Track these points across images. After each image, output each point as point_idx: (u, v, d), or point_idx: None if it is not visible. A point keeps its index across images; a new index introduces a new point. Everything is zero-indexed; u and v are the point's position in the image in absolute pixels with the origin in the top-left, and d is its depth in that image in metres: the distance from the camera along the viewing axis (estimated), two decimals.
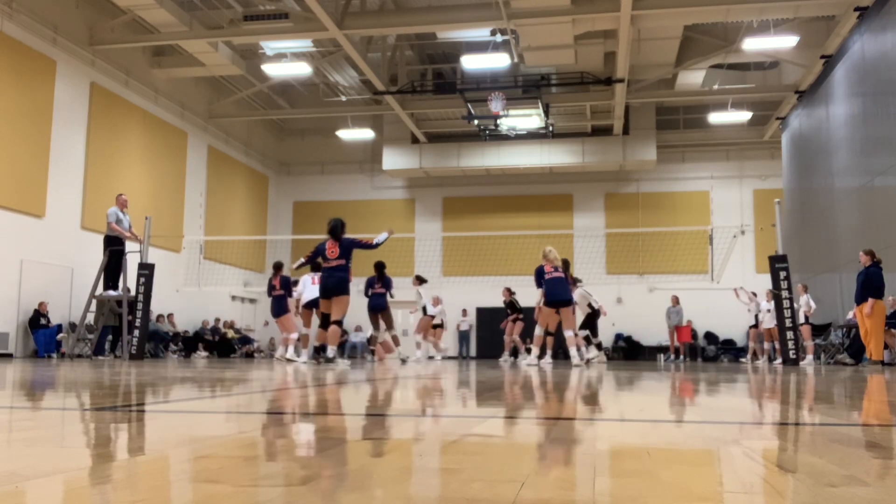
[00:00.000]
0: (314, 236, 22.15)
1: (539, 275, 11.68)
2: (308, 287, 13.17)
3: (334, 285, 9.98)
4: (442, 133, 24.58)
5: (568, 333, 11.62)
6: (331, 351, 10.04)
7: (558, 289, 11.48)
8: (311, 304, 12.47)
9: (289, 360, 12.48)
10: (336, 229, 10.14)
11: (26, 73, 15.44)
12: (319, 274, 10.99)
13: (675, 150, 24.96)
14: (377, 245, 10.53)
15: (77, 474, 1.44)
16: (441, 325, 18.53)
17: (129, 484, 1.35)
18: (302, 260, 10.69)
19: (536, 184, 25.30)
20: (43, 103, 15.93)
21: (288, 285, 13.65)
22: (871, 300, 11.80)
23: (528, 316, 15.40)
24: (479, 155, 24.20)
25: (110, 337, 15.03)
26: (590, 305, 14.91)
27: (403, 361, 13.58)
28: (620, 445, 1.94)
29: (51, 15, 16.17)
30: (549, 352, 13.22)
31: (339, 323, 10.05)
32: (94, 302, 13.80)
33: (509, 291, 17.32)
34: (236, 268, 22.96)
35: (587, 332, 14.86)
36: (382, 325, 13.85)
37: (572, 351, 11.71)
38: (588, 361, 12.85)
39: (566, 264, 12.39)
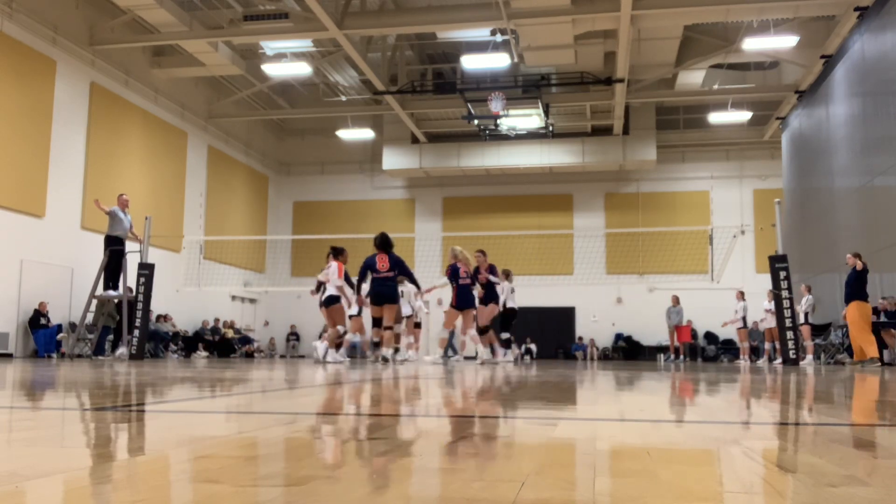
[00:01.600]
0: (314, 236, 22.26)
1: (455, 274, 12.49)
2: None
3: (387, 294, 11.16)
4: (442, 133, 24.58)
5: (472, 332, 12.54)
6: (387, 351, 11.03)
7: (469, 295, 12.59)
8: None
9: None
10: (386, 243, 11.18)
11: (26, 73, 15.44)
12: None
13: (675, 150, 24.97)
14: (414, 281, 11.95)
15: (77, 474, 1.44)
16: (419, 325, 18.24)
17: (129, 484, 1.35)
18: (356, 280, 11.52)
19: (536, 184, 25.30)
20: (43, 103, 15.93)
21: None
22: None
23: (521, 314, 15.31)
24: (479, 155, 24.20)
25: (111, 337, 15.04)
26: (504, 304, 14.84)
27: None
28: (620, 445, 1.94)
29: (51, 15, 16.17)
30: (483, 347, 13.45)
31: (391, 328, 11.22)
32: (94, 302, 13.81)
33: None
34: (236, 268, 22.97)
35: (508, 334, 14.83)
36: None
37: (479, 348, 12.66)
38: (490, 362, 12.84)
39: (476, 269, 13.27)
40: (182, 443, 1.92)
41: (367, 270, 11.28)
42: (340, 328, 11.94)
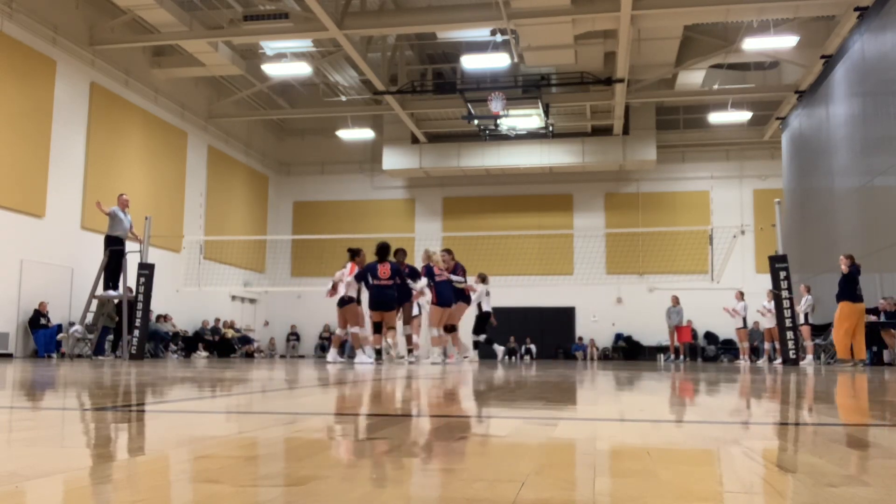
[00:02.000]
0: (314, 236, 22.27)
1: (430, 274, 12.78)
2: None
3: (386, 301, 11.78)
4: (442, 133, 24.58)
5: (436, 331, 12.97)
6: (387, 345, 12.01)
7: (448, 292, 12.84)
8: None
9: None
10: (385, 252, 11.77)
11: (26, 73, 15.44)
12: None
13: (675, 150, 24.97)
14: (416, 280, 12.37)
15: (77, 474, 1.44)
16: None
17: (129, 484, 1.35)
18: (354, 278, 12.07)
19: (536, 184, 25.30)
20: (43, 103, 15.93)
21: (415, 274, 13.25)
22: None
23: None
24: (479, 155, 24.20)
25: (110, 337, 15.04)
26: (479, 306, 14.83)
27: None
28: (620, 445, 1.94)
29: (51, 15, 16.17)
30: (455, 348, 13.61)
31: (393, 327, 12.01)
32: (94, 302, 13.80)
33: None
34: (236, 268, 22.96)
35: (486, 335, 14.87)
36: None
37: (434, 349, 12.96)
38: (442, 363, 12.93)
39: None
40: (182, 443, 1.92)
41: (367, 274, 11.76)
42: (356, 329, 12.06)
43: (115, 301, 13.89)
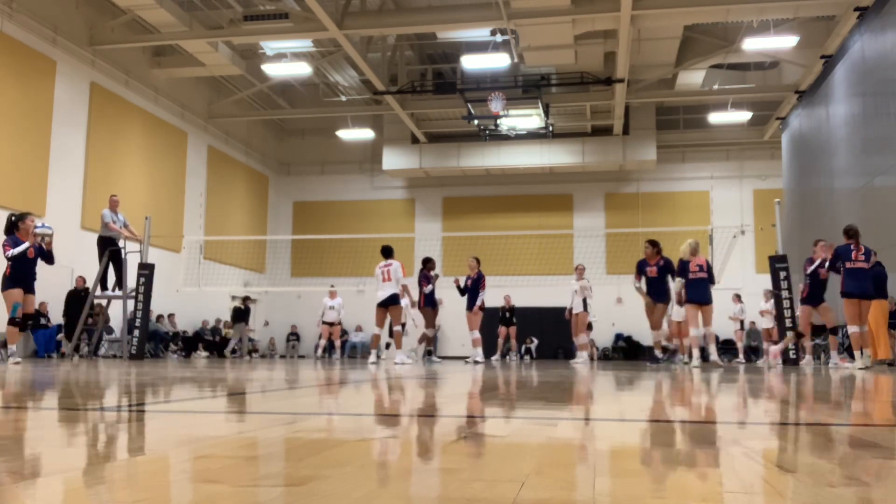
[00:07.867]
0: (314, 236, 22.28)
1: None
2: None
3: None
4: (442, 133, 24.57)
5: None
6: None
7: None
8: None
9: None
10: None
11: (26, 73, 15.44)
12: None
13: (675, 150, 24.96)
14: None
15: (77, 474, 1.44)
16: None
17: (129, 484, 1.35)
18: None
19: (536, 184, 25.29)
20: (43, 103, 15.93)
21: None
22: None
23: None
24: (479, 155, 24.19)
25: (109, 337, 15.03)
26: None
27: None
28: (620, 445, 1.94)
29: (51, 15, 16.17)
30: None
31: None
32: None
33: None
34: (236, 268, 22.96)
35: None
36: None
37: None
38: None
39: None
40: (182, 443, 1.92)
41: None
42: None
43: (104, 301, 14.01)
